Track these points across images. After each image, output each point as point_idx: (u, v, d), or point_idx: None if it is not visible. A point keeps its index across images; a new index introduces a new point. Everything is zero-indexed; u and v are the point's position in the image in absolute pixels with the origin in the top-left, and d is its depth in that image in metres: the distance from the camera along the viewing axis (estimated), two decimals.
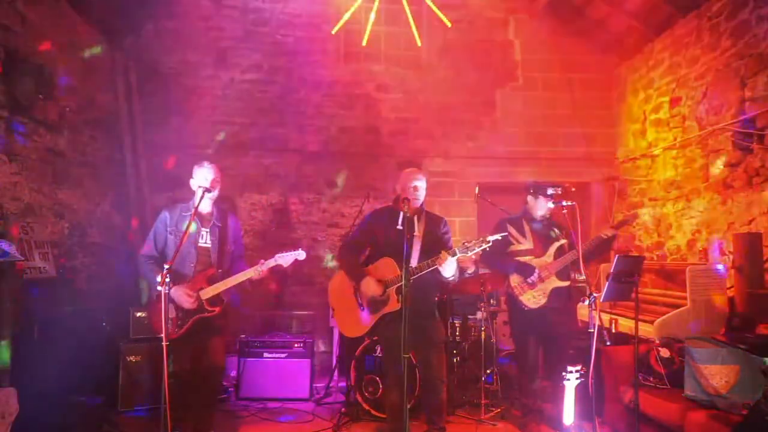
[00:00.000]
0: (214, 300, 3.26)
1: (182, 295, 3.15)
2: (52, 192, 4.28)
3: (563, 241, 3.65)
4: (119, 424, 3.79)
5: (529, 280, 3.57)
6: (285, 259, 3.33)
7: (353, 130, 6.05)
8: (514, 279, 3.64)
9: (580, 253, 3.30)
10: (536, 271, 3.56)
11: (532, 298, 3.58)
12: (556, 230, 3.72)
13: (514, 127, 6.19)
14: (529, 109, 6.22)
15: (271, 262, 3.31)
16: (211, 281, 3.26)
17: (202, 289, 3.23)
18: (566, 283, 3.61)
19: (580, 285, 3.92)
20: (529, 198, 3.75)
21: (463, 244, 2.94)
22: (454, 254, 2.94)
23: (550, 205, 3.61)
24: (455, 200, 6.11)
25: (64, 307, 3.85)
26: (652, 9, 5.14)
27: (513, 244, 3.70)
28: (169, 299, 3.15)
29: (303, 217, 5.92)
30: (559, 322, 3.63)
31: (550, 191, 3.55)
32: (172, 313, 3.17)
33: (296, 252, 3.36)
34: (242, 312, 5.45)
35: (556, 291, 3.57)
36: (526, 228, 3.71)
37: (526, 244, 3.68)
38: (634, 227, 5.49)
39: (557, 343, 3.65)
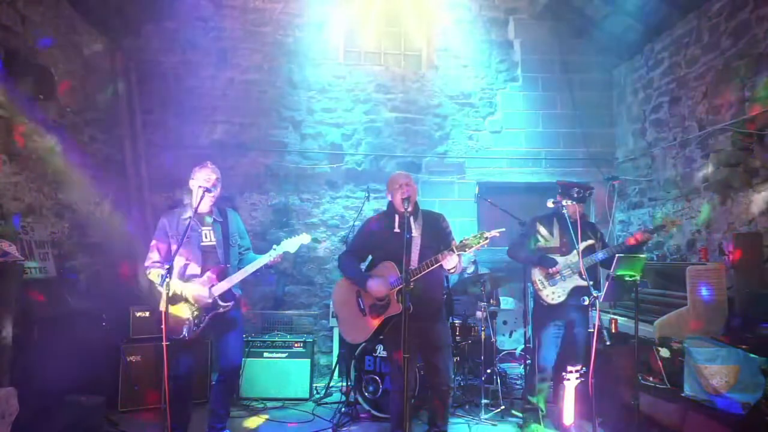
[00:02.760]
0: (226, 295, 3.27)
1: (197, 293, 3.16)
2: (52, 192, 4.28)
3: (591, 242, 3.66)
4: (119, 424, 3.79)
5: (550, 271, 3.61)
6: (292, 243, 3.38)
7: (353, 131, 6.05)
8: (536, 274, 3.69)
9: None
10: (557, 264, 3.60)
11: (552, 294, 3.62)
12: (587, 230, 3.73)
13: (514, 127, 6.20)
14: (529, 109, 6.23)
15: (281, 248, 3.35)
16: (222, 276, 3.27)
17: (213, 285, 3.23)
18: (587, 283, 3.61)
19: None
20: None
21: (461, 241, 2.93)
22: (452, 252, 2.94)
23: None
24: (455, 200, 6.10)
25: (64, 307, 3.85)
26: (651, 9, 5.13)
27: (540, 241, 3.75)
28: (183, 299, 3.17)
29: (303, 217, 5.92)
30: (578, 322, 3.63)
31: (574, 192, 3.61)
32: (188, 314, 3.19)
33: (300, 237, 3.42)
34: (242, 312, 5.46)
35: (576, 290, 3.58)
36: (555, 226, 3.74)
37: (553, 242, 3.73)
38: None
39: (572, 343, 3.64)
